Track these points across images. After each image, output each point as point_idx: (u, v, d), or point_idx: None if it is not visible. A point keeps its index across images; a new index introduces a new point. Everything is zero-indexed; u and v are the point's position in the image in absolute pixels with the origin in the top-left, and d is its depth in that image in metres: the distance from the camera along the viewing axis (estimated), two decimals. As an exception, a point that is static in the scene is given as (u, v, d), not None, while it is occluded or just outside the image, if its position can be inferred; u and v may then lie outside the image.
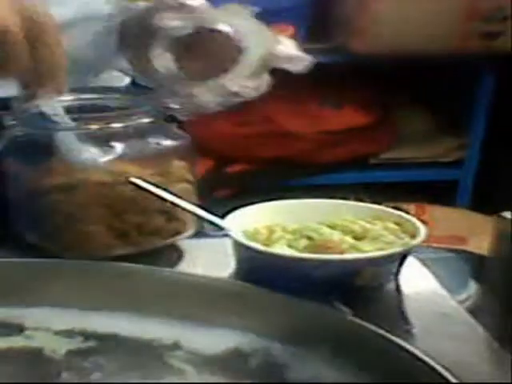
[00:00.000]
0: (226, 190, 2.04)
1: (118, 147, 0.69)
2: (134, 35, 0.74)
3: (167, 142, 0.72)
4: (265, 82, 0.74)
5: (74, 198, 0.68)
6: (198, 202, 0.70)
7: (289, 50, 0.74)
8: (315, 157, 2.08)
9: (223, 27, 0.71)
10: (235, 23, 0.72)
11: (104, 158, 0.68)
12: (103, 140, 0.69)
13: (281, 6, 1.88)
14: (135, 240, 0.69)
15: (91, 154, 0.67)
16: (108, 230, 0.69)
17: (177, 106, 0.74)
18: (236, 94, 0.73)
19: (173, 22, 0.70)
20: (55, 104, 0.66)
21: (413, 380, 0.44)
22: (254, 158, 2.07)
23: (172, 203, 0.68)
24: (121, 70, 0.85)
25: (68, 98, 0.70)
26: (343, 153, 2.11)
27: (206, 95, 0.73)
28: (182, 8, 0.70)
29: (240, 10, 0.72)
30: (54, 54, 0.59)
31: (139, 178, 0.68)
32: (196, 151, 0.75)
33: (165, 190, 0.68)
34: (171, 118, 0.74)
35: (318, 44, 1.91)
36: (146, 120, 0.70)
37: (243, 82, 0.73)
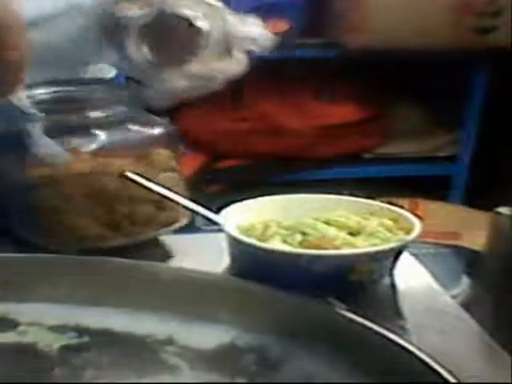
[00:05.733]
0: (220, 185, 2.03)
1: (100, 137, 0.69)
2: (110, 28, 0.73)
3: (149, 131, 0.72)
4: (239, 63, 0.72)
5: (58, 190, 0.68)
6: (188, 193, 0.70)
7: (251, 29, 0.73)
8: (309, 152, 2.09)
9: (183, 11, 0.70)
10: (194, 6, 0.71)
11: (86, 148, 0.68)
12: (84, 130, 0.69)
13: (276, 1, 1.88)
14: (127, 230, 0.69)
15: (54, 147, 0.67)
16: (96, 221, 0.68)
17: (151, 94, 0.73)
18: (207, 78, 0.72)
19: (134, 11, 0.70)
20: (22, 96, 0.66)
21: (408, 376, 0.43)
22: (248, 153, 2.07)
23: (166, 197, 0.68)
24: (108, 63, 0.85)
25: (47, 91, 0.70)
26: (337, 148, 2.11)
27: (178, 81, 0.72)
28: None
29: None
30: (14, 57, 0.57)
31: (122, 168, 0.68)
32: (180, 139, 0.75)
33: (158, 184, 0.68)
34: (152, 109, 0.74)
35: (313, 39, 1.91)
36: (125, 109, 0.70)
37: (211, 65, 0.72)
